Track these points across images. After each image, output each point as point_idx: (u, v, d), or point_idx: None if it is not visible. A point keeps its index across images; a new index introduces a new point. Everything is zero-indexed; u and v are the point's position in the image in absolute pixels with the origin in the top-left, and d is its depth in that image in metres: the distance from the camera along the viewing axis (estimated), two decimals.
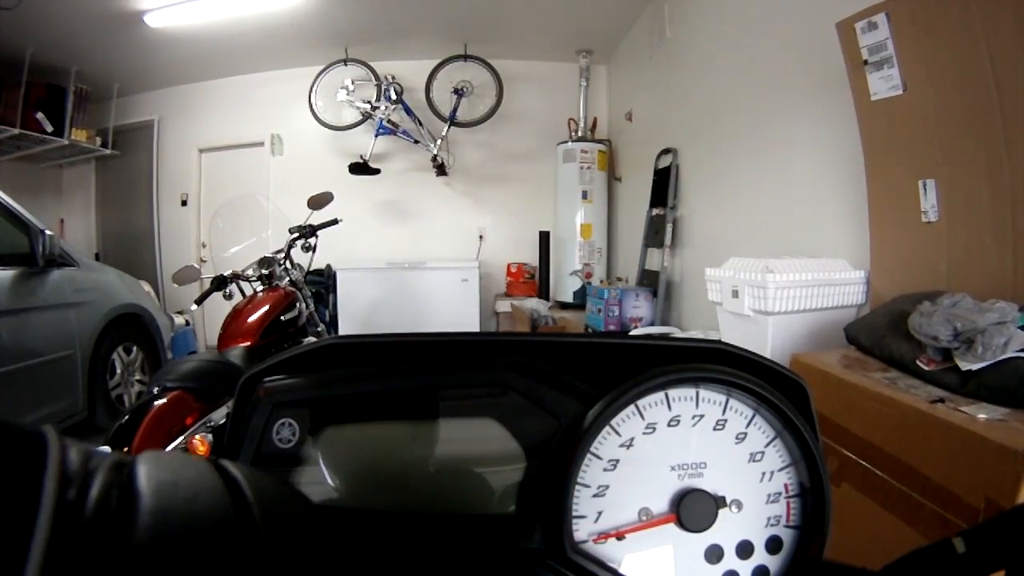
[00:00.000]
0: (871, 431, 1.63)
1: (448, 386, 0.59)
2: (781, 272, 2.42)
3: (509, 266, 7.81)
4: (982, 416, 1.39)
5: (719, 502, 0.56)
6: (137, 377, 5.34)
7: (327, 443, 0.58)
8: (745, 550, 0.57)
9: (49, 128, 6.96)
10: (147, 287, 6.01)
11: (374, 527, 0.56)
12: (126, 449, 2.05)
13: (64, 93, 7.11)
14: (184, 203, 8.33)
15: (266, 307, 3.49)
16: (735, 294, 2.57)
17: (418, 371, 0.59)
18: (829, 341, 2.37)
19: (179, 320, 6.87)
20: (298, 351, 0.60)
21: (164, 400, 2.28)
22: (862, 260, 2.69)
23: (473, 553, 0.56)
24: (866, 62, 2.48)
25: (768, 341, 2.45)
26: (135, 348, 5.34)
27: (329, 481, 0.58)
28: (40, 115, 6.84)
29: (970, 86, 2.12)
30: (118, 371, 5.09)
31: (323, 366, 0.59)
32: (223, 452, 0.59)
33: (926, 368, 1.67)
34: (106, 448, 2.01)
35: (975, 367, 1.52)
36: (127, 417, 2.22)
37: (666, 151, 5.32)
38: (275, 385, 0.59)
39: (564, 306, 6.87)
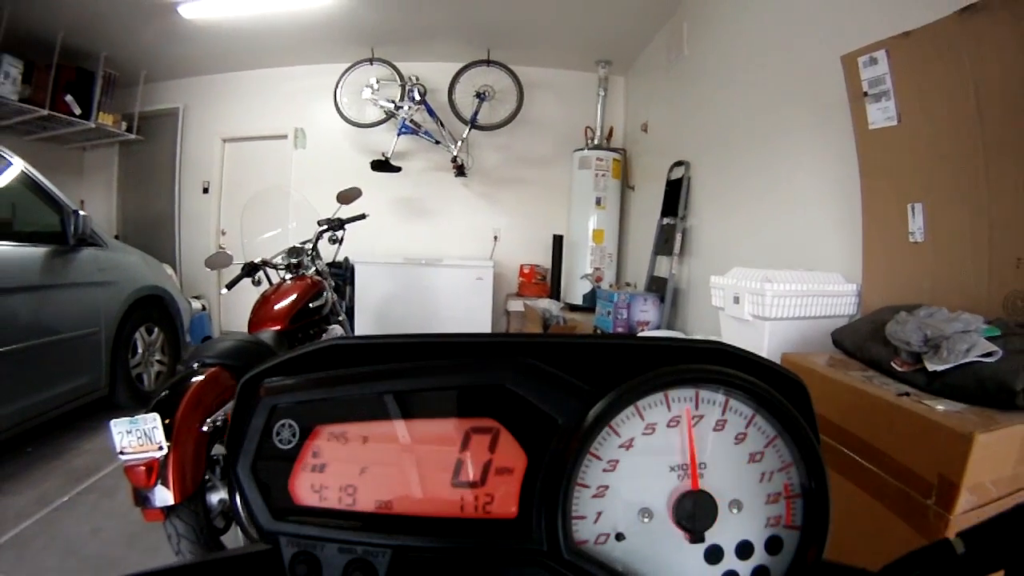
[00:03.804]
0: (847, 419, 1.83)
1: (449, 387, 0.59)
2: (778, 282, 2.60)
3: (522, 267, 7.95)
4: (940, 407, 1.60)
5: (719, 503, 0.56)
6: (157, 357, 5.47)
7: (327, 444, 0.59)
8: (745, 550, 0.57)
9: (77, 111, 7.09)
10: (169, 270, 6.20)
11: (375, 527, 0.57)
12: (167, 421, 2.23)
13: (93, 77, 7.26)
14: (205, 191, 8.48)
15: (295, 294, 3.67)
16: (736, 300, 2.75)
17: (419, 372, 0.59)
18: (821, 346, 2.50)
19: (196, 305, 7.02)
20: (299, 352, 0.61)
21: (203, 376, 2.48)
22: (855, 274, 2.86)
23: (474, 554, 0.57)
24: (866, 94, 2.67)
25: (765, 344, 2.62)
26: (156, 329, 5.47)
27: (330, 483, 0.58)
28: (69, 98, 6.98)
29: (957, 121, 2.30)
30: (139, 351, 5.21)
31: (324, 367, 0.60)
32: (226, 451, 0.61)
33: (899, 369, 1.88)
34: (154, 414, 2.21)
35: (940, 368, 1.72)
36: (167, 391, 2.39)
37: (679, 163, 5.46)
38: (276, 386, 0.60)
39: (573, 308, 7.00)
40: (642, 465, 0.57)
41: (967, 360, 1.70)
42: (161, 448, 2.20)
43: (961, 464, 1.42)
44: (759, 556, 0.57)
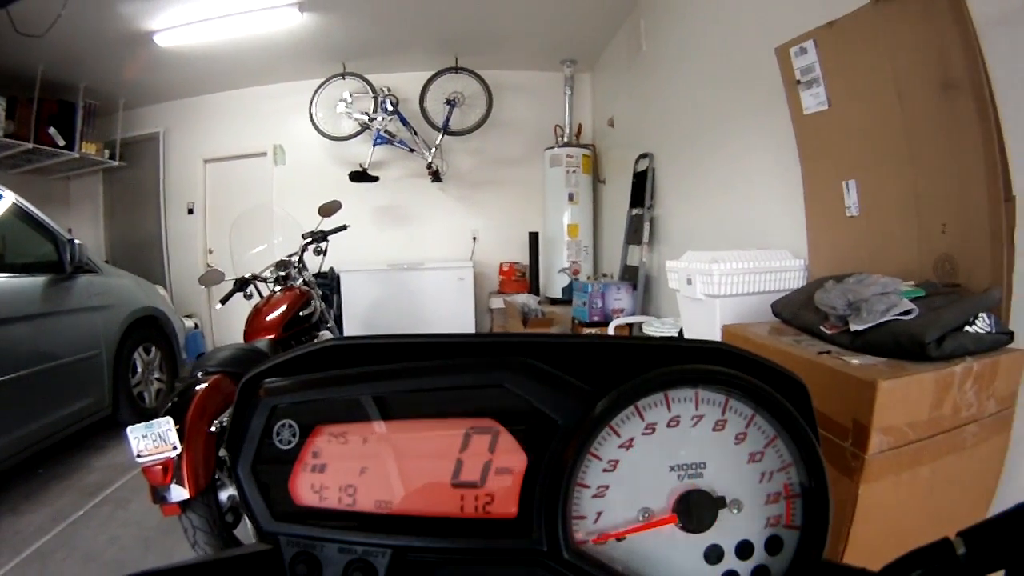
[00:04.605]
0: None
1: (448, 387, 0.59)
2: (725, 262, 2.79)
3: (501, 265, 8.10)
4: (855, 362, 1.80)
5: (719, 502, 0.56)
6: (156, 375, 5.56)
7: (327, 444, 0.59)
8: (745, 550, 0.57)
9: (61, 142, 7.18)
10: (162, 291, 6.28)
11: (375, 527, 0.57)
12: (178, 427, 2.44)
13: (74, 108, 7.34)
14: (190, 211, 8.58)
15: (285, 305, 3.87)
16: (689, 281, 2.94)
17: (419, 372, 0.59)
18: (769, 318, 2.64)
19: (188, 323, 7.13)
20: (298, 352, 0.61)
21: (207, 383, 2.68)
22: (803, 250, 3.05)
23: (474, 554, 0.57)
24: (799, 81, 2.87)
25: (717, 320, 2.79)
26: (154, 348, 5.57)
27: (330, 483, 0.59)
28: (52, 130, 7.06)
29: (880, 103, 2.50)
30: (139, 370, 5.30)
31: (323, 367, 0.60)
32: (227, 452, 0.61)
33: (828, 332, 2.07)
34: (168, 418, 2.41)
35: (861, 328, 1.92)
36: (176, 397, 2.61)
37: (643, 155, 5.63)
38: (275, 386, 0.60)
39: (554, 301, 7.11)
40: (642, 465, 0.57)
41: (886, 319, 1.89)
42: (175, 448, 2.41)
43: (869, 409, 1.61)
44: (759, 556, 0.58)
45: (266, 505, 0.59)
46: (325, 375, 0.60)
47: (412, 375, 0.59)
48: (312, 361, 0.61)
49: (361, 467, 0.58)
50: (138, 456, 2.41)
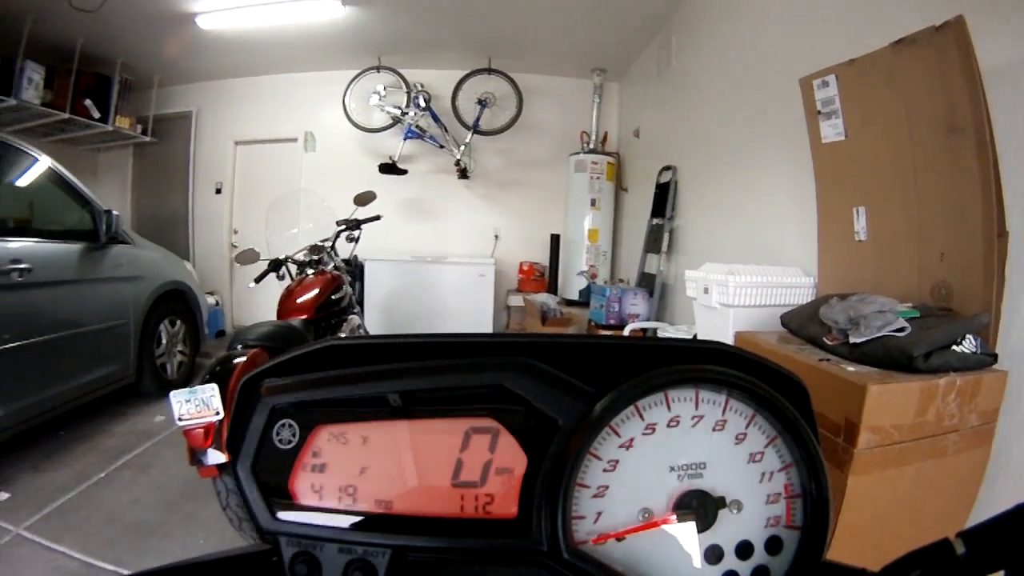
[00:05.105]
0: None
1: (448, 387, 0.59)
2: (741, 275, 2.98)
3: (521, 264, 8.26)
4: (851, 369, 2.02)
5: (719, 503, 0.56)
6: (179, 348, 5.73)
7: (327, 444, 0.59)
8: (745, 551, 0.57)
9: (96, 115, 7.34)
10: (189, 266, 6.40)
11: (375, 527, 0.58)
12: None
13: (110, 82, 7.52)
14: (218, 191, 8.72)
15: (318, 288, 4.04)
16: (706, 291, 3.12)
17: (419, 372, 0.59)
18: (779, 329, 2.83)
19: (210, 300, 7.25)
20: (299, 352, 0.61)
21: (246, 356, 2.85)
22: (812, 268, 3.21)
23: (474, 554, 0.57)
24: (819, 112, 3.04)
25: (730, 328, 2.96)
26: (179, 322, 5.74)
27: (330, 483, 0.59)
28: (88, 102, 7.22)
29: (892, 138, 2.67)
30: (163, 342, 5.46)
31: (324, 367, 0.60)
32: (227, 451, 0.62)
33: (829, 343, 2.28)
34: (213, 384, 2.55)
35: (858, 341, 2.12)
36: (218, 367, 2.78)
37: (667, 168, 5.77)
38: (276, 385, 0.60)
39: (570, 303, 7.25)
40: (642, 465, 0.57)
41: (881, 334, 2.09)
42: (218, 413, 2.54)
43: (859, 409, 1.83)
44: (759, 556, 0.57)
45: (266, 505, 0.59)
46: (325, 375, 0.60)
47: (412, 375, 0.59)
48: (312, 361, 0.61)
49: (361, 467, 0.59)
50: (179, 420, 2.51)
